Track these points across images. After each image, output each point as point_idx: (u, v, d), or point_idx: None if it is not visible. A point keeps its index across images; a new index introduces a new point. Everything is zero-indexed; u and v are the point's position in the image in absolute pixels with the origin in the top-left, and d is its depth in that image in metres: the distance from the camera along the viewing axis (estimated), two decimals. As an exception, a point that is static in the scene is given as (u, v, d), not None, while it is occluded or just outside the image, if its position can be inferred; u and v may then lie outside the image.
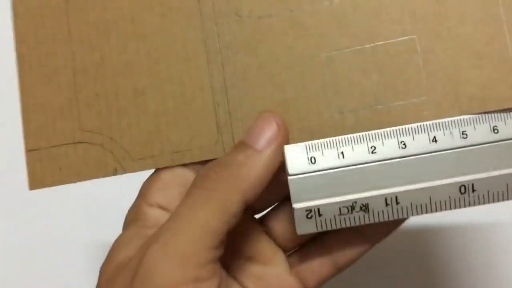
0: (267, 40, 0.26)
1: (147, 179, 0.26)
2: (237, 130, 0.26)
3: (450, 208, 0.25)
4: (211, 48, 0.26)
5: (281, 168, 0.25)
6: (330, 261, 0.27)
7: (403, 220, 0.26)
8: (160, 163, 0.26)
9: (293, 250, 0.28)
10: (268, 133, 0.24)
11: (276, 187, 0.26)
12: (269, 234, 0.28)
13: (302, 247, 0.28)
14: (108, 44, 0.27)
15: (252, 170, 0.23)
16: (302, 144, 0.25)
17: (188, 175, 0.26)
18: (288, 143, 0.25)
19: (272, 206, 0.29)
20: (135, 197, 0.26)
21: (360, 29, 0.25)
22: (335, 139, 0.25)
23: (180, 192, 0.25)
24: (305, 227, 0.25)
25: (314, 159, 0.25)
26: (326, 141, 0.25)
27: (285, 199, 0.28)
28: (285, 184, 0.25)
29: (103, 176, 0.26)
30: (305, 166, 0.24)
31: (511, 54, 0.25)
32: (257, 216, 0.29)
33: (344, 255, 0.27)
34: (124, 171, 0.26)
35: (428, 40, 0.25)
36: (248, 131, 0.25)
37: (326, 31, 0.26)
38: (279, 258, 0.28)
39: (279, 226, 0.28)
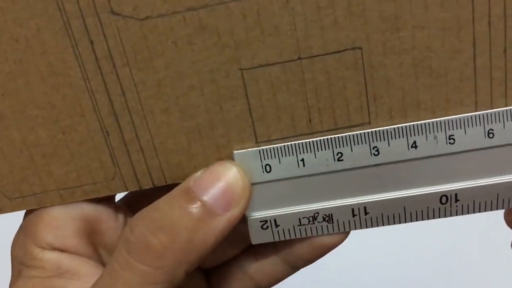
0: (165, 50, 0.19)
1: (33, 213, 0.22)
2: (138, 163, 0.21)
3: (428, 218, 0.21)
4: (86, 58, 0.19)
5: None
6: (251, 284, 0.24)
7: (332, 247, 0.22)
8: (45, 201, 0.21)
9: None
10: (230, 192, 0.19)
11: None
12: None
13: (221, 268, 0.25)
14: None
15: (205, 240, 0.19)
16: (255, 149, 0.21)
17: (83, 207, 0.22)
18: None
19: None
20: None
21: (291, 37, 0.19)
22: (295, 144, 0.20)
23: (74, 228, 0.21)
24: (261, 238, 0.22)
25: (270, 167, 0.21)
26: (284, 146, 0.21)
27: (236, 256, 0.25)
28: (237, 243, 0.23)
29: None
30: (258, 175, 0.21)
31: (475, 71, 0.19)
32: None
33: (266, 280, 0.24)
34: (0, 211, 0.22)
35: (375, 52, 0.19)
36: (203, 179, 0.19)
37: (245, 38, 0.19)
38: None
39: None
